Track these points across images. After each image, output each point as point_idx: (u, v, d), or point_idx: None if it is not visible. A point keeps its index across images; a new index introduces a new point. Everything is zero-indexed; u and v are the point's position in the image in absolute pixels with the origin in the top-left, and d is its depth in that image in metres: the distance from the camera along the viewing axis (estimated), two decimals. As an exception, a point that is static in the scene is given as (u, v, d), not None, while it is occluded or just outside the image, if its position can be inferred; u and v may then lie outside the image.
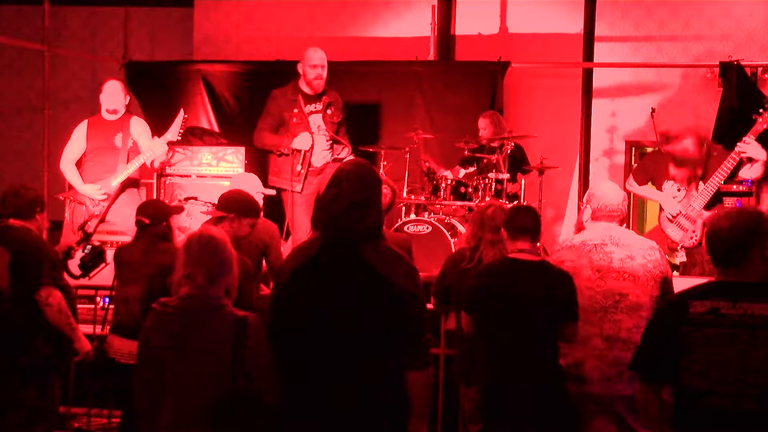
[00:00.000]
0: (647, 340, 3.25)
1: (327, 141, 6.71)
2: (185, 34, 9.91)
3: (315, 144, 6.60)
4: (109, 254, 5.11)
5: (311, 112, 6.70)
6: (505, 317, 3.95)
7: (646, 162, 6.28)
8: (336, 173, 3.19)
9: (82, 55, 10.05)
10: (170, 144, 6.77)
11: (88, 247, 5.04)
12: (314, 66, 6.60)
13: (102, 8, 10.25)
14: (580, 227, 4.63)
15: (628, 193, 5.85)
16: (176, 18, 10.18)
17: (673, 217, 5.92)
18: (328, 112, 6.72)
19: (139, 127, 6.67)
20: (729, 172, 5.81)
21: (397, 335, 3.06)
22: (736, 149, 5.78)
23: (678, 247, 5.90)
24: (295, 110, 6.62)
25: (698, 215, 5.82)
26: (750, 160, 5.81)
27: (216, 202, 4.66)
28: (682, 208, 5.90)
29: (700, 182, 5.87)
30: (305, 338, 3.09)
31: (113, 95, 6.61)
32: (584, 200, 4.54)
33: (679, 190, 5.93)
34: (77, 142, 6.68)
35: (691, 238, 5.86)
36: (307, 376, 3.10)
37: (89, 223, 6.08)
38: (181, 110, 6.69)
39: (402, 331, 3.07)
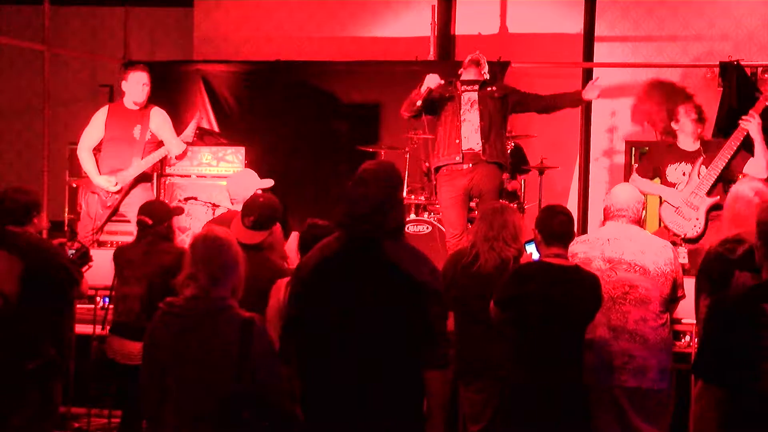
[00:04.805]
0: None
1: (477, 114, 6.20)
2: (185, 34, 9.91)
3: (467, 120, 6.23)
4: (109, 254, 5.12)
5: (466, 90, 6.34)
6: (539, 321, 3.93)
7: (651, 153, 6.22)
8: (360, 173, 3.21)
9: (82, 55, 10.04)
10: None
11: (74, 247, 5.05)
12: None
13: (102, 8, 10.25)
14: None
15: None
16: (176, 18, 10.18)
17: (676, 208, 5.85)
18: (488, 89, 6.33)
19: (159, 119, 6.60)
20: (732, 154, 5.74)
21: (418, 333, 3.09)
22: (740, 124, 5.75)
23: (681, 239, 5.78)
24: (450, 87, 6.32)
25: (701, 202, 5.77)
26: (745, 147, 5.76)
27: (217, 203, 4.61)
28: (684, 196, 5.84)
29: (702, 167, 5.81)
30: (326, 335, 3.12)
31: (137, 87, 6.49)
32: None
33: (683, 174, 5.89)
34: (95, 128, 6.59)
35: (695, 226, 5.79)
36: (327, 374, 3.12)
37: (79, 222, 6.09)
38: (197, 114, 6.62)
39: (423, 329, 3.10)
